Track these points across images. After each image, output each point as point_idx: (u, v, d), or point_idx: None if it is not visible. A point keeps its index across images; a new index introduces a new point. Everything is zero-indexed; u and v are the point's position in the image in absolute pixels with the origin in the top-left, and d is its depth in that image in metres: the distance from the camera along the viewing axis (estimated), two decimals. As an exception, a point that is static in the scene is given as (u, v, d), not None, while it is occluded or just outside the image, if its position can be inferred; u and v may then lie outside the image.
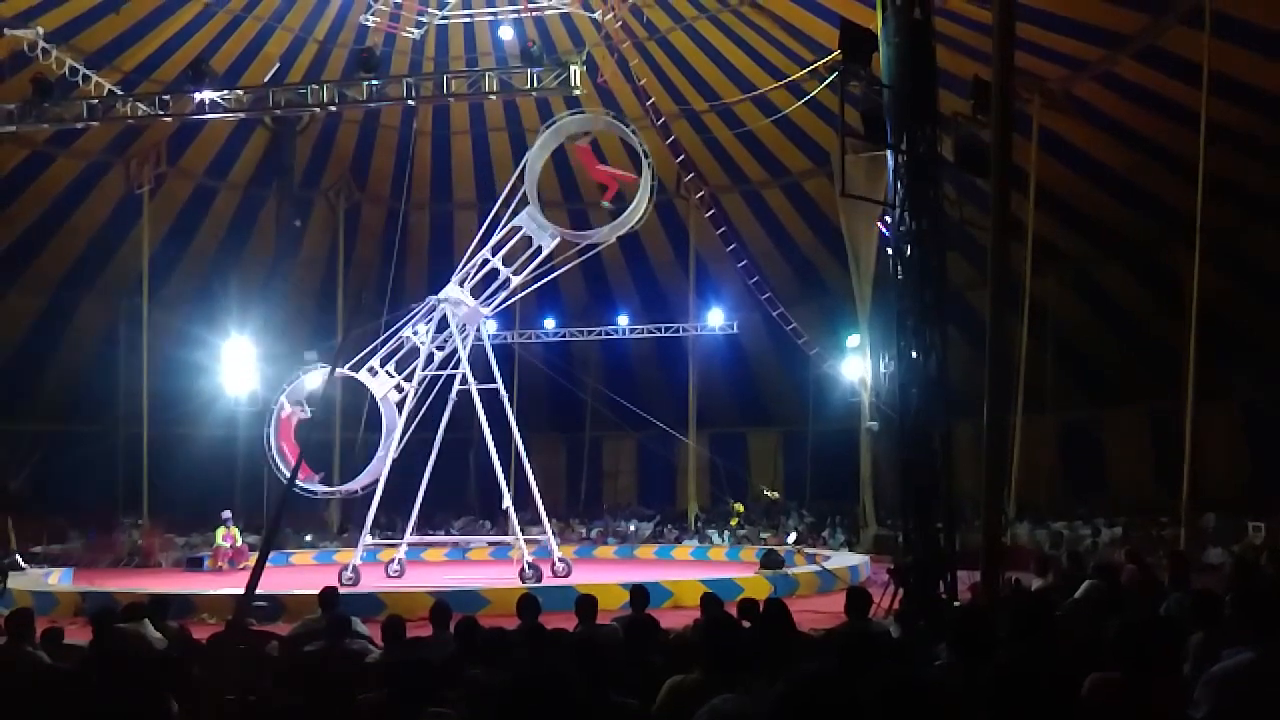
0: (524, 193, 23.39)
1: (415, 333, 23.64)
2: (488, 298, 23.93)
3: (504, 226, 23.32)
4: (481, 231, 23.78)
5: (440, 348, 23.83)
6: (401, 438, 23.17)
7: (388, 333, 23.99)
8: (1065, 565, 13.53)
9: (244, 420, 31.50)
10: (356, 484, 24.27)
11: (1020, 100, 24.52)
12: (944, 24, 19.82)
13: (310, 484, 23.96)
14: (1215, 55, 21.28)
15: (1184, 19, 22.96)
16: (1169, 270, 26.30)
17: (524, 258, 23.57)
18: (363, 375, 23.46)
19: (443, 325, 23.59)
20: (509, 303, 25.05)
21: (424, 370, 23.52)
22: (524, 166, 23.53)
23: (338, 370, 22.77)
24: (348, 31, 29.35)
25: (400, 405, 23.36)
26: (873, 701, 4.04)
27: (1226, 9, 21.57)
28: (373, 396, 24.23)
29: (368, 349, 23.90)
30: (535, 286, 24.44)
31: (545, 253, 23.31)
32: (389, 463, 23.09)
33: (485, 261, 23.53)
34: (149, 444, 29.81)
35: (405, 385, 23.37)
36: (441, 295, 23.57)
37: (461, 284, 23.64)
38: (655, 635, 7.81)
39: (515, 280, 23.71)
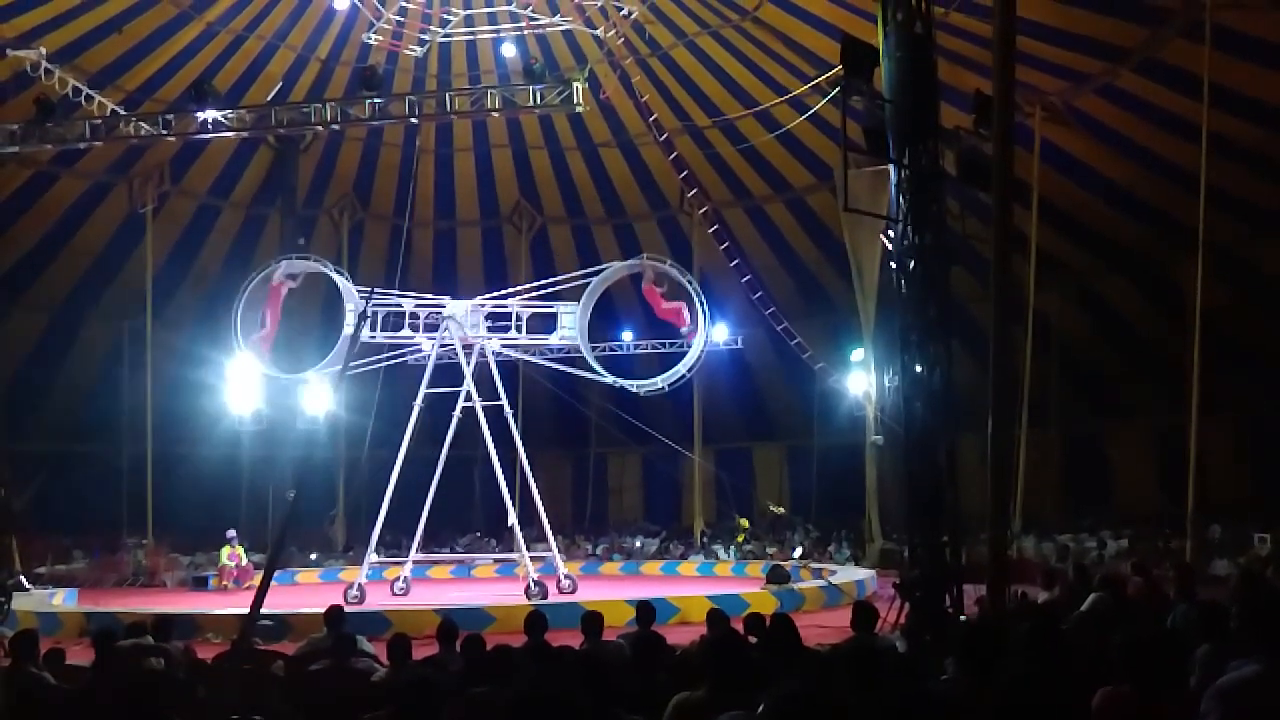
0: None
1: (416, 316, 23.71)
2: (493, 327, 24.20)
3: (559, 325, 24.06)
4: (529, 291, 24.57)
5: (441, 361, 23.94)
6: (406, 444, 23.20)
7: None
8: (1071, 578, 13.48)
9: (248, 439, 31.48)
10: (311, 370, 24.23)
11: (1021, 114, 24.62)
12: (945, 38, 19.82)
13: (265, 358, 23.92)
14: (1216, 68, 21.33)
15: (1184, 32, 23.00)
16: (1172, 283, 26.33)
17: (544, 339, 24.56)
18: (339, 279, 23.61)
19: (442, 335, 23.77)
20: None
21: (427, 388, 23.52)
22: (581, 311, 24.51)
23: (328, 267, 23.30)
24: (350, 50, 29.43)
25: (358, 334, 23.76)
26: (880, 717, 4.03)
27: (1226, 22, 21.63)
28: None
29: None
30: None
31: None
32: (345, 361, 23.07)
33: (509, 311, 24.09)
34: (153, 463, 29.79)
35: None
36: (449, 312, 23.57)
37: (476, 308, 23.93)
38: (661, 652, 7.78)
39: (521, 340, 24.45)
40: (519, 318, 24.35)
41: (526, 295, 24.93)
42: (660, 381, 25.03)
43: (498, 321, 24.34)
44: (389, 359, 25.29)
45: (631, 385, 25.44)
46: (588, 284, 24.99)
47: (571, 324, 24.30)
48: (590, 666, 6.77)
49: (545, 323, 24.74)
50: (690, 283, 24.49)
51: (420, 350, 25.02)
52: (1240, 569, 18.90)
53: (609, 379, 24.94)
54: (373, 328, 22.93)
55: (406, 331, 23.54)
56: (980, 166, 13.45)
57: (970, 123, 14.37)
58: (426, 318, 23.65)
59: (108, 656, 8.72)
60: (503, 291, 25.01)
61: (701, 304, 24.24)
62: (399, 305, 23.57)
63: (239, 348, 23.20)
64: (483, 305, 24.23)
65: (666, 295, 25.13)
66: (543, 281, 25.60)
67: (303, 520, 30.70)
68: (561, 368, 26.04)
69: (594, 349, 35.65)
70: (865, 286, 27.71)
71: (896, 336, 13.56)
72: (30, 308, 31.21)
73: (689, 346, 24.74)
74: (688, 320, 24.82)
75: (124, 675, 8.03)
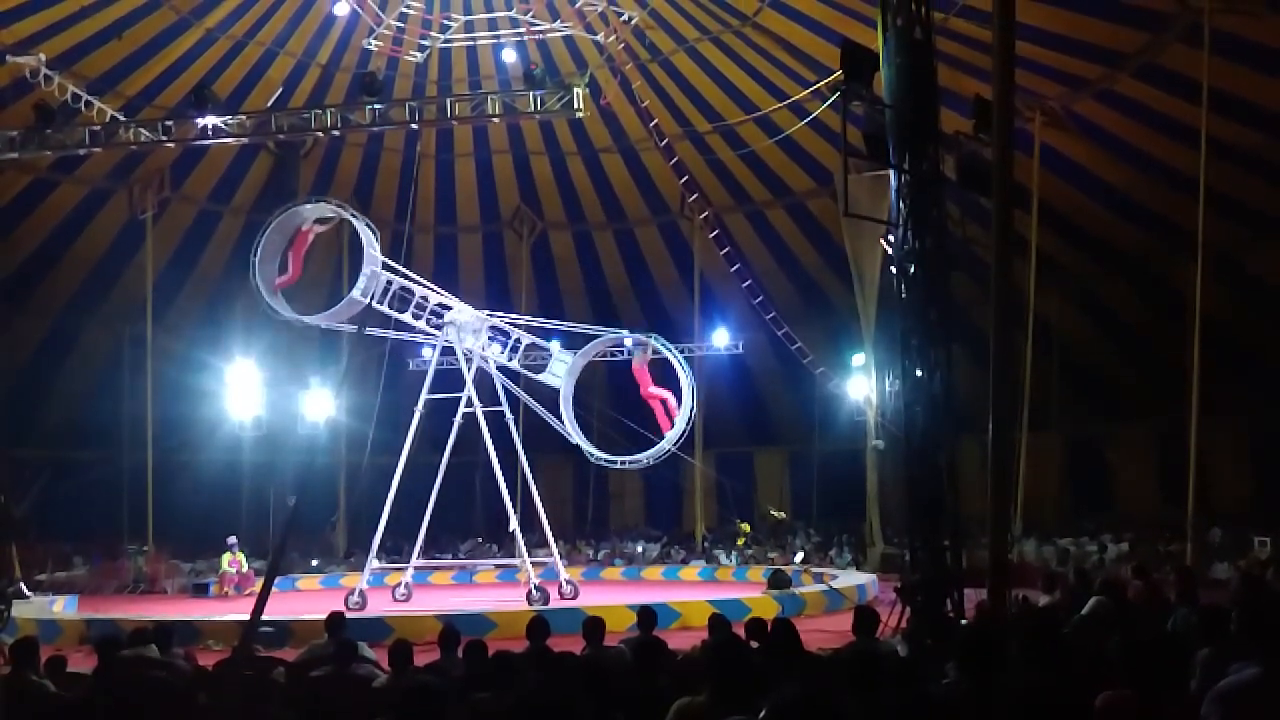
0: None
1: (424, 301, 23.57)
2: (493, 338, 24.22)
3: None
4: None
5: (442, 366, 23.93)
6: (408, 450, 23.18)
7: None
8: (1072, 582, 13.47)
9: (249, 445, 31.48)
10: (321, 318, 23.78)
11: (1021, 118, 24.65)
12: (945, 43, 19.84)
13: (280, 305, 23.13)
14: (1215, 72, 21.37)
15: (1183, 37, 23.03)
16: (1172, 286, 26.32)
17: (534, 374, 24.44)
18: (363, 229, 23.05)
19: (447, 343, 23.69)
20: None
21: (428, 394, 23.51)
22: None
23: (347, 213, 22.98)
24: (351, 55, 29.45)
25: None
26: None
27: (1225, 26, 21.66)
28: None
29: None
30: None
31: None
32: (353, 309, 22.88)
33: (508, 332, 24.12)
34: (154, 469, 29.76)
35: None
36: (446, 320, 23.50)
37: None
38: (663, 657, 7.78)
39: (511, 364, 24.32)
40: (517, 344, 24.32)
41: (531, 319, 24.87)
42: (644, 458, 24.85)
43: (498, 335, 24.28)
44: (398, 335, 24.87)
45: (616, 462, 25.31)
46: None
47: (561, 372, 24.19)
48: (592, 672, 6.77)
49: (539, 356, 24.79)
50: (683, 365, 24.44)
51: (419, 341, 24.86)
52: (1241, 572, 18.88)
53: (585, 447, 24.63)
54: (381, 298, 22.69)
55: (409, 316, 23.22)
56: (980, 171, 13.44)
57: (970, 127, 14.37)
58: (432, 309, 23.47)
59: (110, 665, 8.69)
60: (511, 316, 24.83)
61: (692, 389, 24.00)
62: (409, 288, 23.26)
63: (255, 286, 22.64)
64: (487, 319, 24.08)
65: (657, 380, 25.01)
66: (554, 323, 25.68)
67: (304, 526, 30.71)
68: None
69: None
70: (865, 291, 27.79)
71: (897, 341, 13.55)
72: (30, 314, 31.17)
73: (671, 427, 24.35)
74: (667, 420, 24.53)
75: (125, 685, 8.02)
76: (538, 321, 25.34)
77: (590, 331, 25.03)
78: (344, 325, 24.07)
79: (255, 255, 22.62)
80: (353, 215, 22.93)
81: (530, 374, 24.32)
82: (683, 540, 35.14)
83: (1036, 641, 6.83)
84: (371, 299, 22.37)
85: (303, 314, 23.60)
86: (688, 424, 24.16)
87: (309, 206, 23.43)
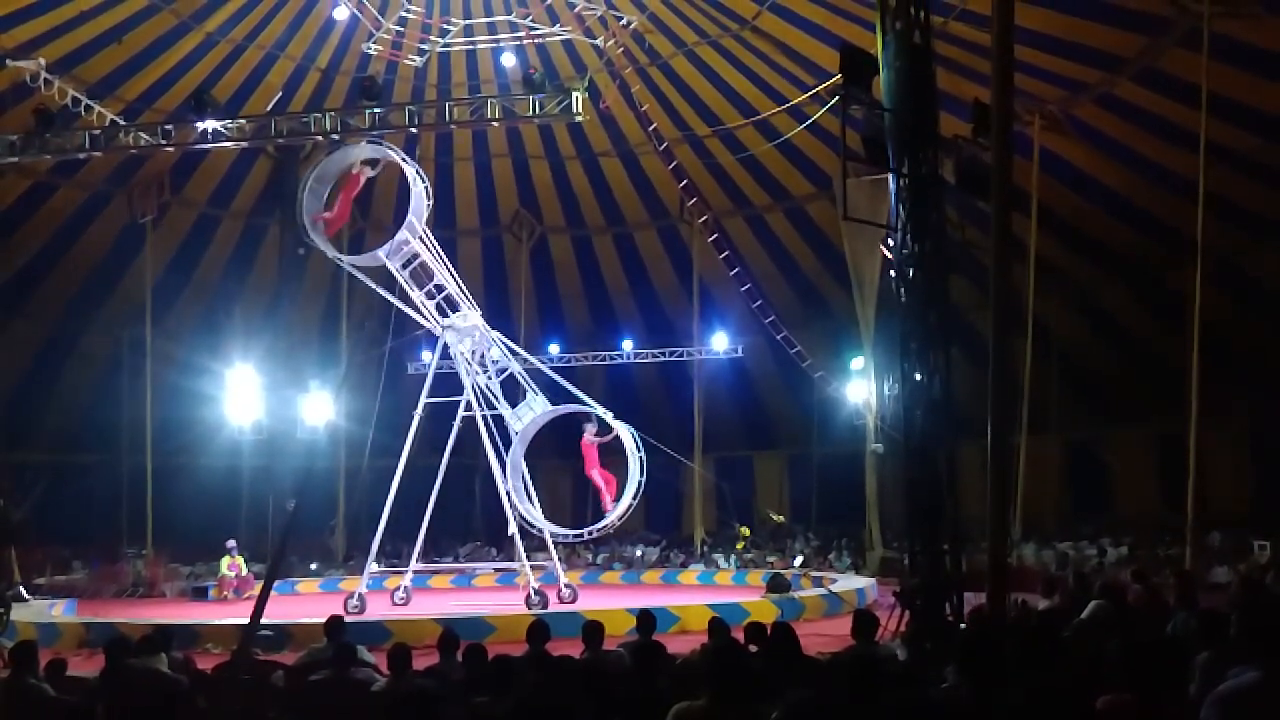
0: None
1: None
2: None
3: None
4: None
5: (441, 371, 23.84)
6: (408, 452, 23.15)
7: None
8: (1071, 585, 13.48)
9: (248, 449, 31.48)
10: (352, 258, 23.43)
11: (1020, 122, 24.62)
12: (944, 47, 19.90)
13: (319, 236, 22.64)
14: (1214, 77, 21.36)
15: (1182, 41, 23.02)
16: (1171, 290, 26.32)
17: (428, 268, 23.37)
18: (411, 172, 22.30)
19: (446, 351, 23.59)
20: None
21: (427, 398, 23.48)
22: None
23: (398, 155, 22.28)
24: (350, 60, 29.43)
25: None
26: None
27: (1224, 30, 21.65)
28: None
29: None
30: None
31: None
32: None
33: (426, 296, 23.35)
34: (153, 474, 29.76)
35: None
36: (448, 322, 23.42)
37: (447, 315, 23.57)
38: (662, 661, 7.79)
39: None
40: (502, 370, 24.12)
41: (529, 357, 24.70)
42: (591, 530, 24.50)
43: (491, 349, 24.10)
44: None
45: (561, 533, 25.01)
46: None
47: (528, 420, 23.60)
48: (591, 676, 6.77)
49: (515, 390, 24.37)
50: (637, 453, 23.41)
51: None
52: (1240, 576, 18.88)
53: (531, 515, 23.74)
54: (404, 265, 22.45)
55: (421, 296, 22.94)
56: (979, 175, 13.44)
57: (969, 131, 14.37)
58: (444, 298, 23.35)
59: (117, 670, 8.65)
60: (513, 347, 24.67)
61: (641, 467, 23.30)
62: (430, 266, 22.85)
63: (299, 210, 22.27)
64: (483, 337, 23.86)
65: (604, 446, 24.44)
66: (544, 362, 25.86)
67: (303, 530, 30.67)
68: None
69: (595, 357, 35.88)
70: (865, 295, 27.80)
71: (896, 344, 13.54)
72: (30, 318, 31.21)
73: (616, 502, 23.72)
74: (609, 503, 23.86)
75: (128, 691, 8.03)
76: (535, 360, 25.21)
77: (574, 394, 24.32)
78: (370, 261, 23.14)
79: (303, 188, 22.41)
80: (403, 159, 22.43)
81: (498, 405, 23.80)
82: (682, 544, 35.10)
83: (1036, 645, 6.83)
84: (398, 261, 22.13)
85: (341, 253, 23.57)
86: (626, 510, 23.56)
87: (360, 146, 22.74)
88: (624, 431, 23.47)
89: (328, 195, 22.79)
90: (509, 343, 24.65)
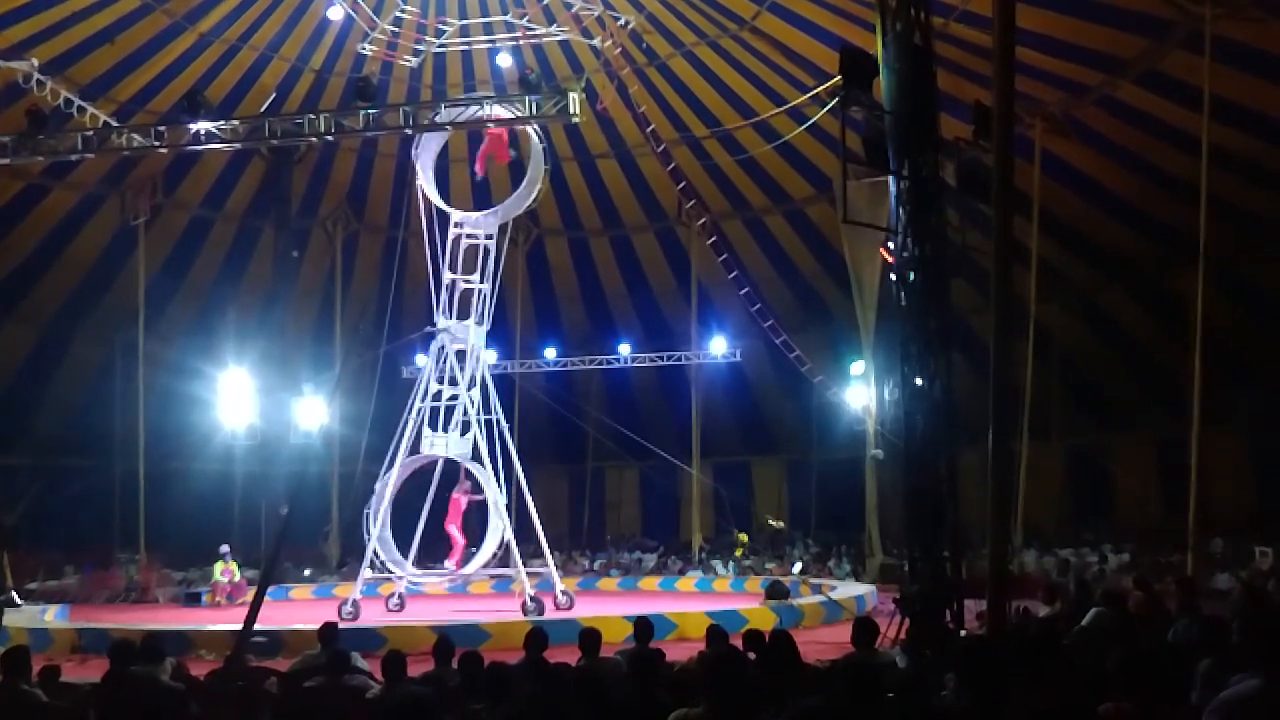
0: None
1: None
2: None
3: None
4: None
5: (442, 379, 23.62)
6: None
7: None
8: (1073, 592, 13.47)
9: (242, 454, 31.39)
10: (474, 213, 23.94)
11: (1022, 125, 24.53)
12: (944, 48, 19.77)
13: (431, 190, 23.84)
14: (1215, 79, 21.31)
15: (1184, 43, 22.99)
16: (1173, 295, 26.27)
17: (479, 263, 23.54)
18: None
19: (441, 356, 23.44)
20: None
21: (421, 401, 23.32)
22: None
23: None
24: (345, 60, 29.35)
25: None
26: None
27: (1226, 33, 21.60)
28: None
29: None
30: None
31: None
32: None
33: (454, 283, 23.43)
34: (146, 478, 29.69)
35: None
36: (446, 323, 23.28)
37: (451, 314, 23.43)
38: (659, 668, 7.67)
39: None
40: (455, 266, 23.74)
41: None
42: (445, 575, 24.86)
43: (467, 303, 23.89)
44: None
45: (415, 574, 24.58)
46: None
47: (432, 452, 23.46)
48: (587, 683, 6.69)
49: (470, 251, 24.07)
50: (501, 514, 23.69)
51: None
52: (1242, 583, 18.84)
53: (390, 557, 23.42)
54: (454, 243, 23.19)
55: (452, 275, 23.20)
56: (980, 177, 13.37)
57: (970, 133, 14.31)
58: (460, 294, 23.33)
59: (116, 676, 8.52)
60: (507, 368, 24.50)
61: (503, 540, 23.24)
62: (477, 267, 23.25)
63: (413, 158, 23.72)
64: (473, 353, 23.70)
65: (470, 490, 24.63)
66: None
67: (297, 535, 30.50)
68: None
69: (592, 361, 35.80)
70: (865, 298, 27.71)
71: (896, 349, 13.49)
72: (21, 321, 31.12)
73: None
74: (457, 560, 24.59)
75: (121, 698, 7.95)
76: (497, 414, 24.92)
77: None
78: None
79: (416, 147, 23.61)
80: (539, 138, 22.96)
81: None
82: (680, 550, 35.03)
83: (1037, 652, 6.81)
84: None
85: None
86: (487, 563, 23.83)
87: (492, 105, 22.45)
88: (490, 491, 23.58)
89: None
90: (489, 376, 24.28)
